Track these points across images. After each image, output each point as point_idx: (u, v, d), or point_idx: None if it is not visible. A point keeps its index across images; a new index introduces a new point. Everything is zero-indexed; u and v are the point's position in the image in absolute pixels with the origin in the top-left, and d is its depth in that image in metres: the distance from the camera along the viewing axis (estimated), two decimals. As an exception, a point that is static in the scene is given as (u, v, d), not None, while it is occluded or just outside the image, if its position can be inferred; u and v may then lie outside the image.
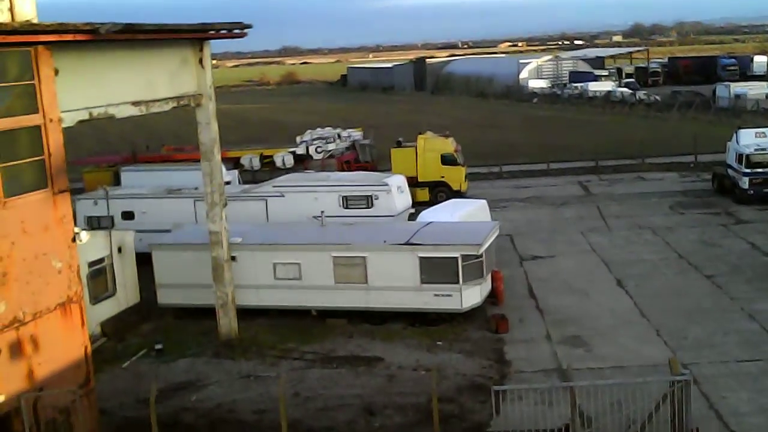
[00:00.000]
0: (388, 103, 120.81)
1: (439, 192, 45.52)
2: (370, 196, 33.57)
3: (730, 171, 43.21)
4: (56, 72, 18.42)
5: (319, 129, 49.01)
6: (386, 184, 33.58)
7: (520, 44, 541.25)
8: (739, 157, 41.57)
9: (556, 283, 30.69)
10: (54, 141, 18.14)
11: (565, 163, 56.17)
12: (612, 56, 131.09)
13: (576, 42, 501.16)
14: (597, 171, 53.24)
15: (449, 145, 45.89)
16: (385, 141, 69.72)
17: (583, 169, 53.89)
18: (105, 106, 20.56)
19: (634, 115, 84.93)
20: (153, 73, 22.25)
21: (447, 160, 45.43)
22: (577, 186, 49.42)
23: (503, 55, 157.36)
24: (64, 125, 18.75)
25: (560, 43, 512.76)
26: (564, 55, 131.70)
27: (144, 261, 29.01)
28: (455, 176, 45.59)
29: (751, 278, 29.89)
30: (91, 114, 20.13)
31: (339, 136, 47.85)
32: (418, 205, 43.99)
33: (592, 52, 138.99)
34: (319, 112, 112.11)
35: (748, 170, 41.00)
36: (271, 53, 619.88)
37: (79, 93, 19.51)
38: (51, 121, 17.99)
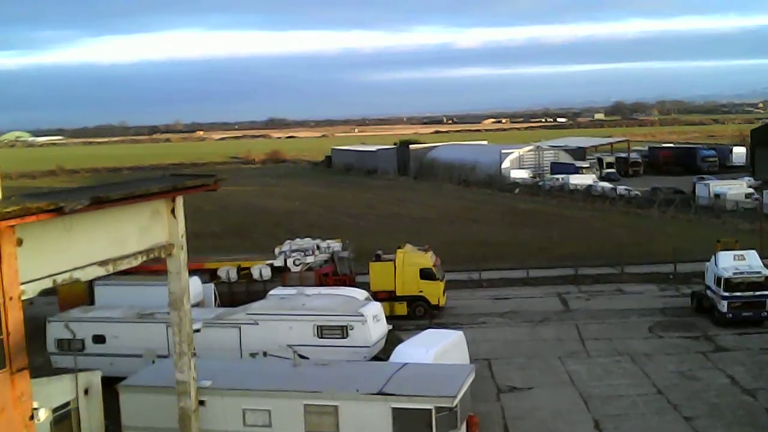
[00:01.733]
0: (372, 188, 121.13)
1: (418, 306, 45.30)
2: (345, 327, 33.14)
3: (708, 292, 43.11)
4: (19, 242, 18.08)
5: (298, 239, 48.71)
6: (362, 315, 33.17)
7: (503, 121, 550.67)
8: (718, 280, 41.51)
9: (533, 422, 30.14)
10: (13, 319, 17.68)
11: (545, 270, 55.92)
12: (593, 146, 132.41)
13: (559, 119, 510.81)
14: (576, 281, 53.02)
15: (428, 260, 45.63)
16: (367, 239, 70.20)
17: (562, 279, 53.63)
18: (70, 271, 20.17)
19: (615, 211, 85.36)
20: (122, 230, 21.90)
21: (426, 274, 45.15)
22: (556, 299, 49.10)
23: (484, 141, 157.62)
24: (24, 297, 18.33)
25: (543, 120, 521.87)
26: (545, 144, 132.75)
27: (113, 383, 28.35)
28: (434, 291, 45.29)
29: (730, 422, 29.45)
30: (54, 281, 19.73)
31: (318, 247, 47.53)
32: (397, 319, 43.94)
33: (574, 142, 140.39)
34: (302, 197, 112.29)
35: (726, 293, 40.92)
36: (257, 124, 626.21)
37: (42, 261, 19.11)
38: (11, 299, 17.57)
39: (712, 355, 37.13)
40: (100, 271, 21.31)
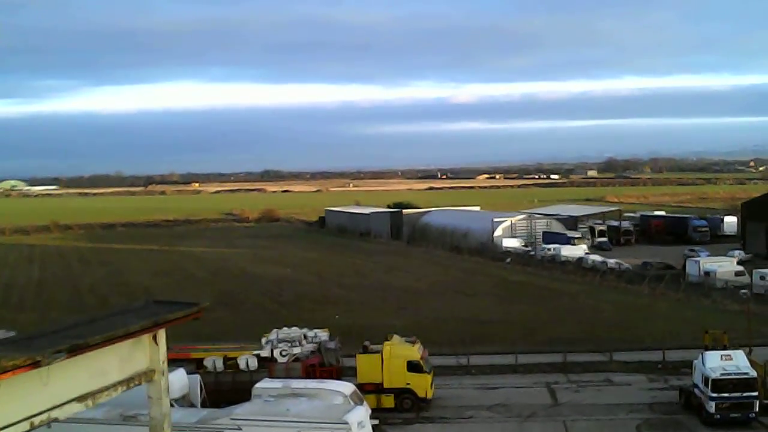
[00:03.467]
0: (364, 253, 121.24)
1: (405, 399, 45.02)
2: (330, 435, 32.84)
3: (696, 390, 42.92)
4: (-3, 383, 18.01)
5: (285, 328, 48.45)
6: (346, 423, 32.92)
7: (497, 177, 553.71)
8: (705, 380, 41.38)
9: None
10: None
11: (534, 356, 55.65)
12: (585, 215, 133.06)
13: (552, 176, 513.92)
14: (565, 369, 52.73)
15: (415, 352, 45.48)
16: (357, 313, 70.09)
17: (550, 366, 53.34)
18: (48, 411, 20.08)
19: (605, 285, 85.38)
20: (103, 362, 21.88)
21: (413, 367, 44.98)
22: (544, 390, 48.77)
23: (477, 207, 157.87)
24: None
25: (537, 177, 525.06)
26: (538, 213, 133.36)
27: None
28: (421, 383, 45.06)
29: None
30: (32, 424, 19.62)
31: (305, 336, 47.33)
32: (384, 412, 43.68)
33: (566, 210, 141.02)
34: (294, 263, 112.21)
35: (714, 394, 40.75)
36: (253, 176, 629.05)
37: (18, 405, 19.05)
38: (-14, 451, 17.45)
39: (700, 462, 36.85)
40: (80, 407, 21.23)
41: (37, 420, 19.55)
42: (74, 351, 18.85)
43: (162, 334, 23.91)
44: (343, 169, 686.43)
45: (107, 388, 22.01)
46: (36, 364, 17.64)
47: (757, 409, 40.97)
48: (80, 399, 20.99)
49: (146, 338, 23.48)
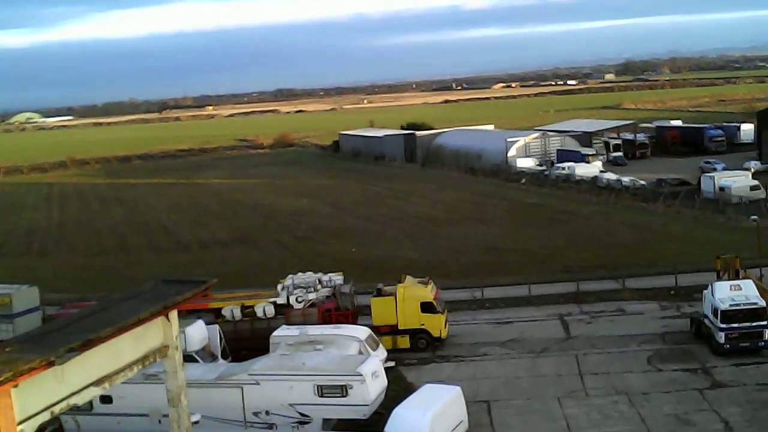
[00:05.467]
0: (379, 179, 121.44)
1: (420, 339, 45.99)
2: (345, 386, 33.78)
3: (706, 320, 43.50)
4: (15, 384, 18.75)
5: (300, 273, 49.20)
6: (360, 374, 33.80)
7: (513, 85, 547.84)
8: (715, 311, 41.91)
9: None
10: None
11: (547, 286, 56.22)
12: (600, 130, 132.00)
13: (569, 82, 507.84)
14: (578, 299, 53.37)
15: (428, 293, 46.21)
16: (373, 246, 70.74)
17: (564, 297, 53.97)
18: (66, 398, 20.86)
19: (620, 205, 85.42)
20: (116, 346, 22.55)
21: (427, 307, 45.76)
22: (557, 323, 49.53)
23: (490, 126, 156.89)
24: (24, 432, 19.04)
25: (553, 83, 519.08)
26: (551, 130, 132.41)
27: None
28: (435, 323, 45.93)
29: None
30: (52, 413, 20.44)
31: (320, 281, 48.06)
32: (399, 353, 44.76)
33: (580, 126, 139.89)
34: (310, 192, 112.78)
35: (723, 325, 41.31)
36: (266, 95, 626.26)
37: (38, 396, 19.80)
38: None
39: (709, 394, 37.56)
40: (97, 391, 22.03)
41: (57, 408, 20.36)
42: (87, 346, 19.52)
43: (174, 314, 24.55)
44: (357, 83, 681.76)
45: (122, 369, 22.77)
46: (50, 364, 18.33)
47: (767, 337, 41.55)
48: (97, 383, 21.77)
49: (159, 319, 24.15)
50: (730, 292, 42.47)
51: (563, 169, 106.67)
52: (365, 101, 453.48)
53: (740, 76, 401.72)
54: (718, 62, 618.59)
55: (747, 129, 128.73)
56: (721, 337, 41.49)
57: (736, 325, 41.32)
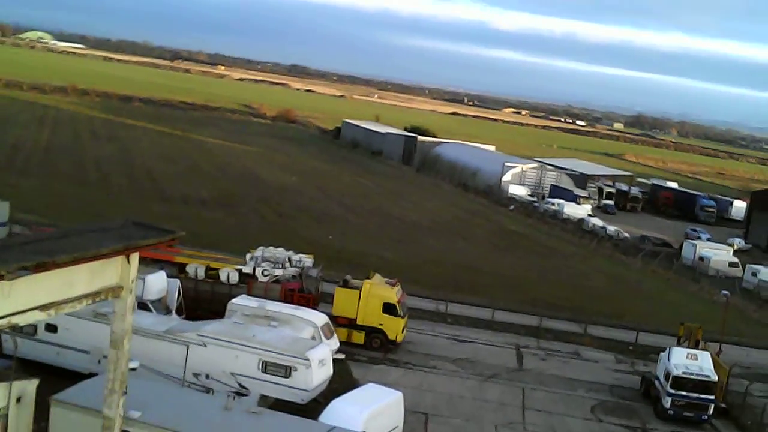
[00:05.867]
0: (373, 174, 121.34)
1: (375, 338, 45.79)
2: (290, 367, 33.64)
3: (657, 383, 43.58)
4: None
5: (271, 248, 48.90)
6: (307, 359, 33.67)
7: (523, 113, 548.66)
8: (667, 375, 41.96)
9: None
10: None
11: (511, 314, 56.23)
12: (597, 175, 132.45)
13: (578, 122, 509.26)
14: (538, 334, 53.40)
15: (393, 295, 46.04)
16: (351, 239, 70.40)
17: (524, 329, 53.99)
18: (8, 316, 20.52)
19: (600, 252, 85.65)
20: (71, 275, 22.16)
21: (388, 309, 45.57)
22: (512, 352, 49.54)
23: (492, 147, 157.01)
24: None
25: (562, 120, 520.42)
26: (550, 164, 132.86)
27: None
28: (394, 326, 45.76)
29: None
30: (-9, 326, 20.13)
31: (289, 260, 47.83)
32: (352, 347, 44.60)
33: (579, 166, 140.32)
34: (301, 171, 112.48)
35: (672, 390, 41.36)
36: (280, 68, 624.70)
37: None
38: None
39: (643, 454, 37.69)
40: (42, 316, 21.69)
41: (-3, 323, 20.02)
42: (40, 268, 19.22)
43: (135, 256, 24.24)
44: (371, 76, 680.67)
45: (72, 300, 22.35)
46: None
47: (711, 412, 41.68)
48: (43, 308, 21.34)
49: (118, 258, 23.82)
50: (685, 360, 42.54)
51: (553, 204, 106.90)
52: (376, 95, 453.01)
53: (744, 154, 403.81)
54: (726, 136, 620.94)
55: (739, 206, 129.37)
56: (667, 401, 41.54)
57: (684, 393, 41.38)
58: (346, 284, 46.61)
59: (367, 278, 46.80)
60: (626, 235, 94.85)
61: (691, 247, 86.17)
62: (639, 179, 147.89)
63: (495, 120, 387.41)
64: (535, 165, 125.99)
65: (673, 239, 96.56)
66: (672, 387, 41.40)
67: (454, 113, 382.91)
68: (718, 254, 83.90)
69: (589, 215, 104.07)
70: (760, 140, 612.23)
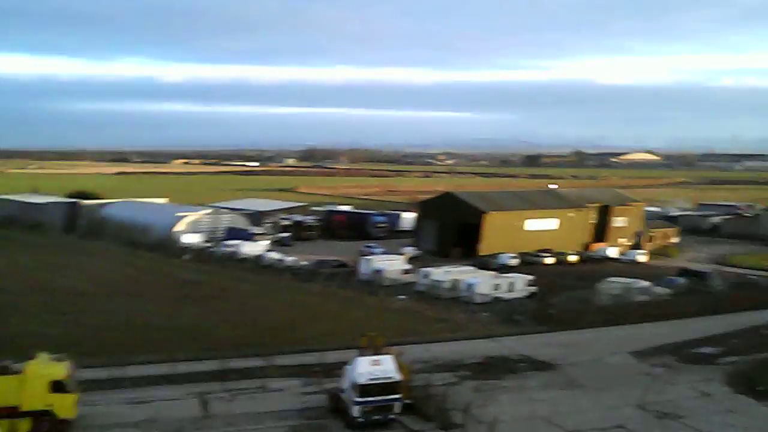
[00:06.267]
0: (31, 248, 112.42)
1: (43, 421, 41.73)
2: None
3: (343, 394, 43.86)
4: None
5: None
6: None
7: (194, 161, 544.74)
8: (353, 385, 42.35)
9: None
10: None
11: (192, 364, 54.08)
12: (272, 210, 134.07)
13: (250, 164, 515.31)
14: (222, 377, 51.64)
15: (61, 371, 42.18)
16: (6, 319, 63.89)
17: (208, 375, 52.05)
18: None
19: (280, 285, 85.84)
20: None
21: (57, 386, 41.64)
22: (196, 402, 47.36)
23: (164, 199, 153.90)
24: None
25: (235, 163, 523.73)
26: (224, 207, 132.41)
27: None
28: (64, 404, 41.67)
29: None
30: None
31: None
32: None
33: (254, 205, 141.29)
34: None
35: (359, 399, 41.80)
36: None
37: None
38: None
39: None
40: None
41: None
42: None
43: None
44: (25, 147, 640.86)
45: None
46: None
47: (398, 410, 42.68)
48: None
49: None
50: (369, 367, 43.26)
51: (229, 246, 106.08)
52: (32, 167, 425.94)
53: (410, 170, 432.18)
54: (392, 156, 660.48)
55: (408, 217, 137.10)
56: (355, 410, 41.93)
57: (371, 398, 42.00)
58: (4, 371, 42.09)
59: (30, 359, 42.69)
60: (304, 263, 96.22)
61: (366, 262, 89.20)
62: (315, 208, 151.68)
63: (165, 173, 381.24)
64: (208, 211, 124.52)
65: (349, 259, 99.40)
66: (360, 395, 41.86)
67: (120, 173, 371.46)
68: (392, 264, 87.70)
69: (267, 251, 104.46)
70: (423, 155, 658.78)
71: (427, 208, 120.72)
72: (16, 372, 41.99)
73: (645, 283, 74.19)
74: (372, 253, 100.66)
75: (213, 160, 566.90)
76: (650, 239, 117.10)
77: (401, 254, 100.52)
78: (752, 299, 74.09)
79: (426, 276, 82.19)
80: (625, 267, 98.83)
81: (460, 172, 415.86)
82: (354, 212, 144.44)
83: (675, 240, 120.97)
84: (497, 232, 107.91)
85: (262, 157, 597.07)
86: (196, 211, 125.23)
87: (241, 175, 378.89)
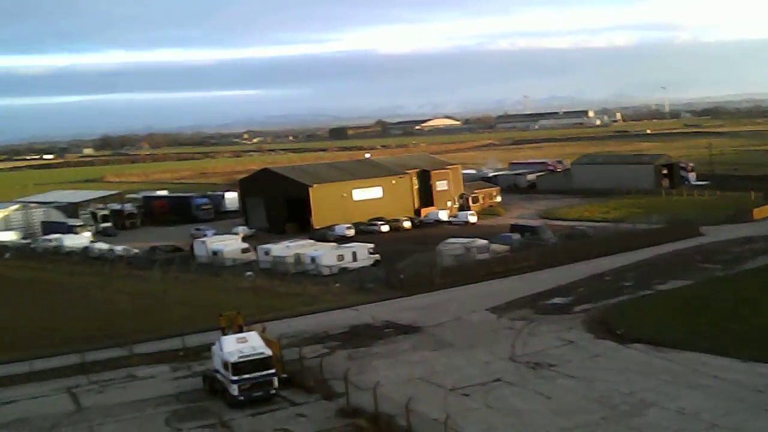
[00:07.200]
0: None
1: None
2: None
3: (218, 375, 43.89)
4: None
5: None
6: None
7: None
8: (225, 364, 42.41)
9: None
10: None
11: (51, 360, 52.35)
12: (85, 201, 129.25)
13: (45, 156, 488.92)
14: (85, 370, 50.46)
15: None
16: None
17: (70, 369, 50.63)
18: None
19: (116, 274, 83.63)
20: None
21: None
22: (65, 396, 46.14)
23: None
24: None
25: (28, 157, 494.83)
26: (34, 201, 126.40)
27: None
28: None
29: None
30: None
31: None
32: None
33: (64, 197, 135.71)
34: None
35: (235, 378, 41.91)
36: None
37: None
38: None
39: (232, 447, 37.68)
40: None
41: None
42: None
43: None
44: None
45: None
46: None
47: (277, 385, 43.17)
48: None
49: None
50: (237, 345, 43.38)
51: (50, 241, 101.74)
52: None
53: (217, 151, 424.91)
54: (195, 138, 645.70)
55: (231, 197, 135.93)
56: (234, 389, 42.03)
57: (247, 376, 42.22)
58: None
59: None
60: (136, 250, 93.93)
61: (202, 245, 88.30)
62: (129, 195, 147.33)
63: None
64: (18, 206, 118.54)
65: (182, 242, 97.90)
66: (234, 374, 41.97)
67: None
68: (230, 245, 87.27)
69: (92, 242, 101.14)
70: (227, 135, 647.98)
71: (249, 187, 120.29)
72: None
73: (483, 242, 77.41)
74: (205, 235, 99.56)
75: (3, 156, 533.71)
76: (475, 200, 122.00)
77: (235, 234, 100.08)
78: (585, 248, 78.68)
79: (267, 253, 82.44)
80: (458, 229, 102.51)
81: (270, 150, 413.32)
82: (175, 196, 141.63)
83: (498, 199, 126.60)
84: (326, 205, 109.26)
85: (56, 149, 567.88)
86: (4, 207, 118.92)
87: (38, 169, 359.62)
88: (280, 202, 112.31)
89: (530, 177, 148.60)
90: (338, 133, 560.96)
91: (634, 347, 48.02)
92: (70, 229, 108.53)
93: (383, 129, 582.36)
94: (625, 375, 42.91)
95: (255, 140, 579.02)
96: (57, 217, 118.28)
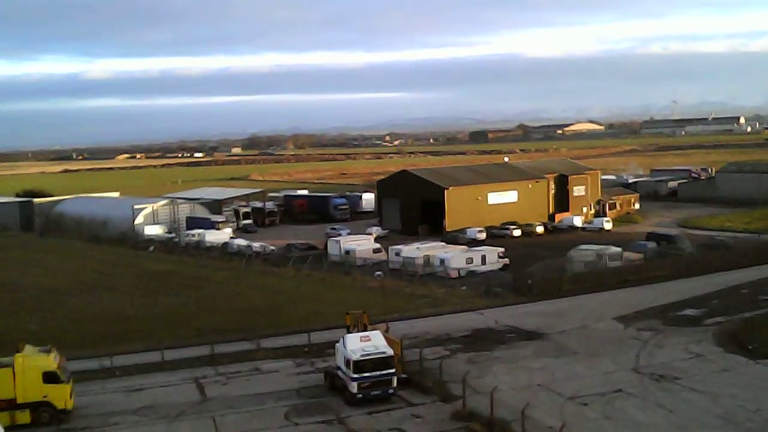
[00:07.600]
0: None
1: (43, 413, 41.61)
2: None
3: (339, 372, 44.25)
4: None
5: None
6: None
7: (138, 156, 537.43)
8: (347, 362, 42.74)
9: None
10: None
11: (181, 350, 54.16)
12: (229, 198, 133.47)
13: (196, 155, 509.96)
14: (213, 361, 51.92)
15: (51, 362, 42.12)
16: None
17: (198, 360, 52.22)
18: None
19: (251, 270, 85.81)
20: None
21: (50, 377, 41.65)
22: (193, 386, 47.54)
23: (116, 193, 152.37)
24: None
25: (180, 155, 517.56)
26: (181, 197, 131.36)
27: None
28: (60, 394, 41.87)
29: None
30: None
31: None
32: (20, 429, 40.07)
33: (210, 193, 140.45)
34: None
35: (356, 375, 42.19)
36: None
37: None
38: None
39: (343, 444, 37.85)
40: None
41: None
42: None
43: None
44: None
45: None
46: None
47: (396, 384, 43.14)
48: None
49: None
50: (360, 344, 43.64)
51: (193, 236, 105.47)
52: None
53: (359, 152, 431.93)
54: (338, 139, 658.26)
55: (368, 198, 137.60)
56: (353, 386, 42.30)
57: (367, 374, 42.41)
58: (-6, 364, 41.77)
59: (18, 352, 42.38)
60: (272, 248, 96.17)
61: (335, 244, 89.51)
62: (271, 194, 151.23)
63: (110, 169, 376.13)
64: (165, 202, 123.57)
65: (317, 241, 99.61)
66: (355, 372, 42.24)
67: (65, 170, 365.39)
68: (362, 245, 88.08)
69: (232, 238, 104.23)
70: (369, 137, 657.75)
71: (387, 188, 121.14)
72: (6, 365, 41.74)
73: (616, 249, 75.24)
74: (339, 235, 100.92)
75: (156, 154, 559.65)
76: (612, 206, 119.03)
77: (368, 234, 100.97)
78: (723, 260, 75.37)
79: (398, 254, 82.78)
80: (593, 235, 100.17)
81: (410, 152, 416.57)
82: (314, 196, 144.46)
83: (637, 206, 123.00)
84: (460, 208, 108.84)
85: (206, 148, 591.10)
86: (153, 202, 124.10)
87: (188, 166, 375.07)
88: (415, 203, 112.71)
89: (672, 184, 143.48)
90: (478, 136, 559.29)
91: (764, 363, 45.55)
92: (213, 225, 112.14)
93: (524, 133, 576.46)
94: (752, 391, 40.78)
95: (396, 142, 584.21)
96: (201, 212, 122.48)
